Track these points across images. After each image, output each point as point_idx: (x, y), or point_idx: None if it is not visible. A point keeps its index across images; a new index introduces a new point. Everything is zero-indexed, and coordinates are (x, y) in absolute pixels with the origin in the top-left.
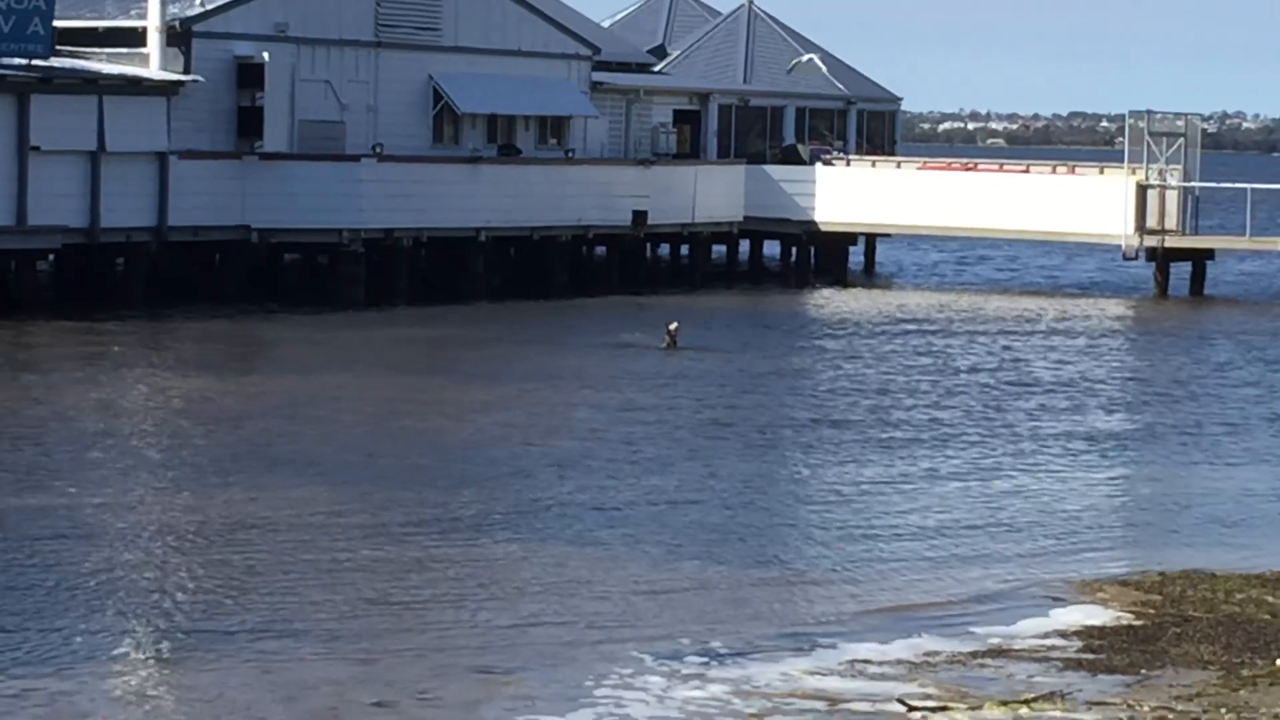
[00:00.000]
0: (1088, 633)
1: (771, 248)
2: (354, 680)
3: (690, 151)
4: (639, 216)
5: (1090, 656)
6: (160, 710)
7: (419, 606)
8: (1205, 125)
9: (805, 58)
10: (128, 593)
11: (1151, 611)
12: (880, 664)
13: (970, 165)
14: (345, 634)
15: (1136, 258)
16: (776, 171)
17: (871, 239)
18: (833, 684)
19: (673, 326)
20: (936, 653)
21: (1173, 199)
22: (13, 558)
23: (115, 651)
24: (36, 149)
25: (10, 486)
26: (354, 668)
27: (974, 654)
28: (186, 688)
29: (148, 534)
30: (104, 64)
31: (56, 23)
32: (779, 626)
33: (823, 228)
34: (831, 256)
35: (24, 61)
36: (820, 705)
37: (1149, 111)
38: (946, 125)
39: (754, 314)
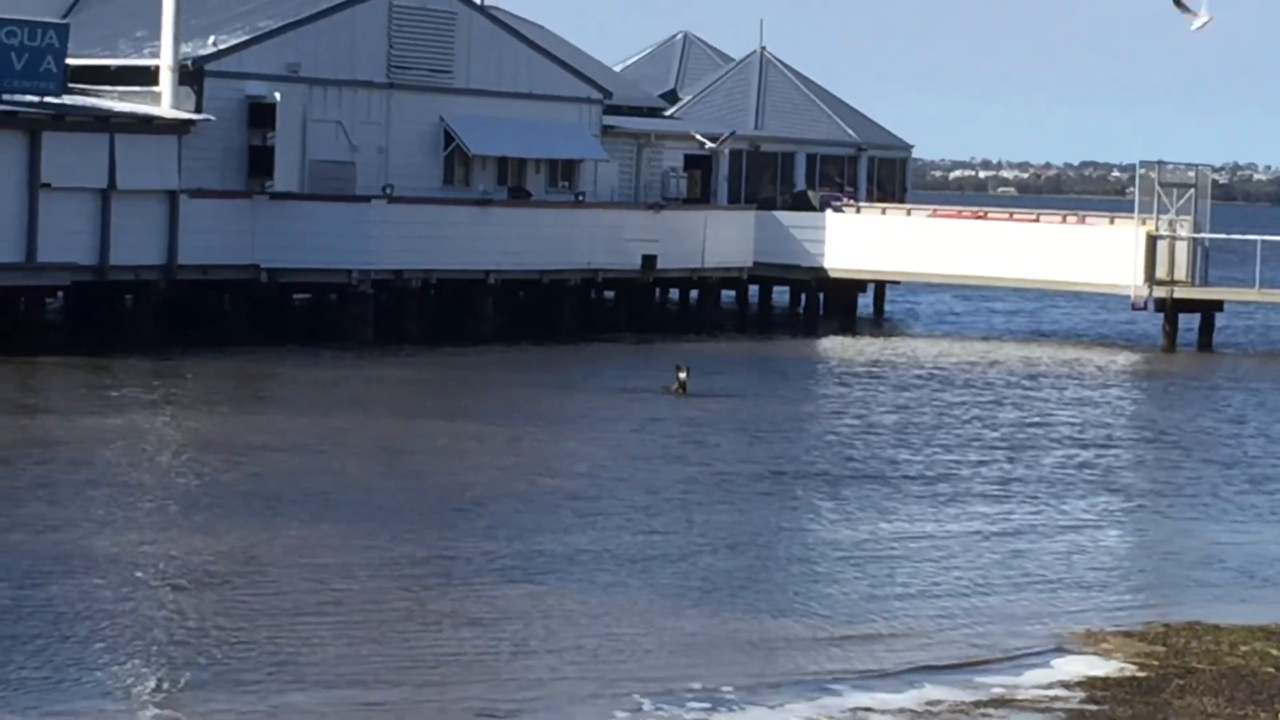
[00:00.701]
0: (1091, 684)
1: (781, 294)
2: None
3: (701, 196)
4: (648, 261)
5: (1094, 708)
6: None
7: (423, 649)
8: (1216, 176)
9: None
10: (130, 634)
11: (1155, 663)
12: (883, 713)
13: (980, 214)
14: (349, 677)
15: (1145, 308)
16: (786, 217)
17: (881, 286)
18: None
19: (683, 374)
20: (939, 702)
21: (1183, 250)
22: (16, 596)
23: (116, 694)
24: (47, 186)
25: (15, 524)
26: (357, 711)
27: (977, 704)
28: None
29: (152, 574)
30: (116, 102)
31: (69, 60)
32: (783, 675)
33: (832, 274)
34: (840, 303)
35: (36, 99)
36: None
37: (1160, 162)
38: (958, 173)
39: (763, 360)
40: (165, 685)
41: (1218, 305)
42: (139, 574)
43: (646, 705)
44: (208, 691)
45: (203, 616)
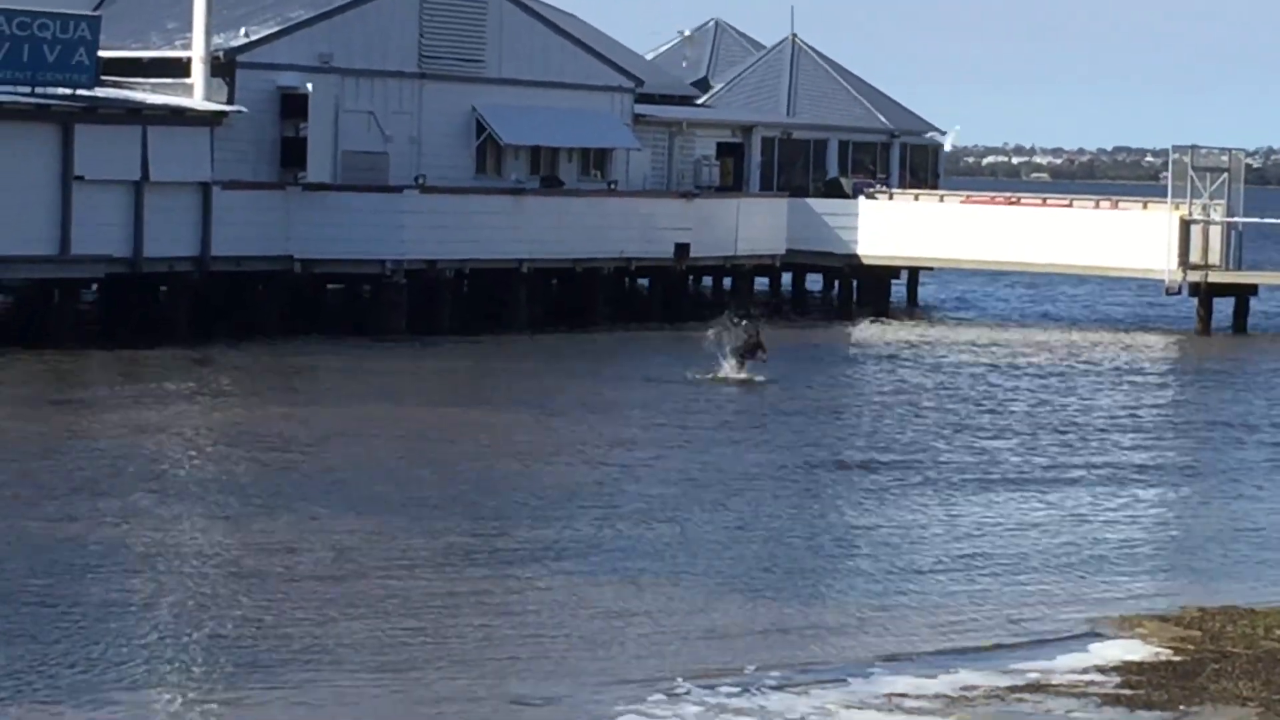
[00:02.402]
0: (1126, 668)
1: (814, 281)
2: (388, 710)
3: (733, 184)
4: (681, 249)
5: (1129, 692)
6: None
7: (455, 636)
8: (1250, 160)
9: None
10: (163, 621)
11: (1191, 647)
12: (918, 698)
13: (1013, 199)
14: (380, 664)
15: (1179, 292)
16: (819, 204)
17: (914, 272)
18: (869, 718)
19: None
20: (974, 687)
21: (1216, 234)
22: (53, 587)
23: (149, 681)
24: (80, 178)
25: (52, 514)
26: (388, 697)
27: (1012, 689)
28: (219, 718)
29: (187, 564)
30: (148, 94)
31: (101, 53)
32: (817, 660)
33: (865, 261)
34: (874, 289)
35: (69, 91)
36: None
37: (1193, 146)
38: (990, 159)
39: (797, 347)
40: (200, 674)
41: (1252, 289)
42: (174, 565)
43: (679, 691)
44: (241, 679)
45: (237, 606)
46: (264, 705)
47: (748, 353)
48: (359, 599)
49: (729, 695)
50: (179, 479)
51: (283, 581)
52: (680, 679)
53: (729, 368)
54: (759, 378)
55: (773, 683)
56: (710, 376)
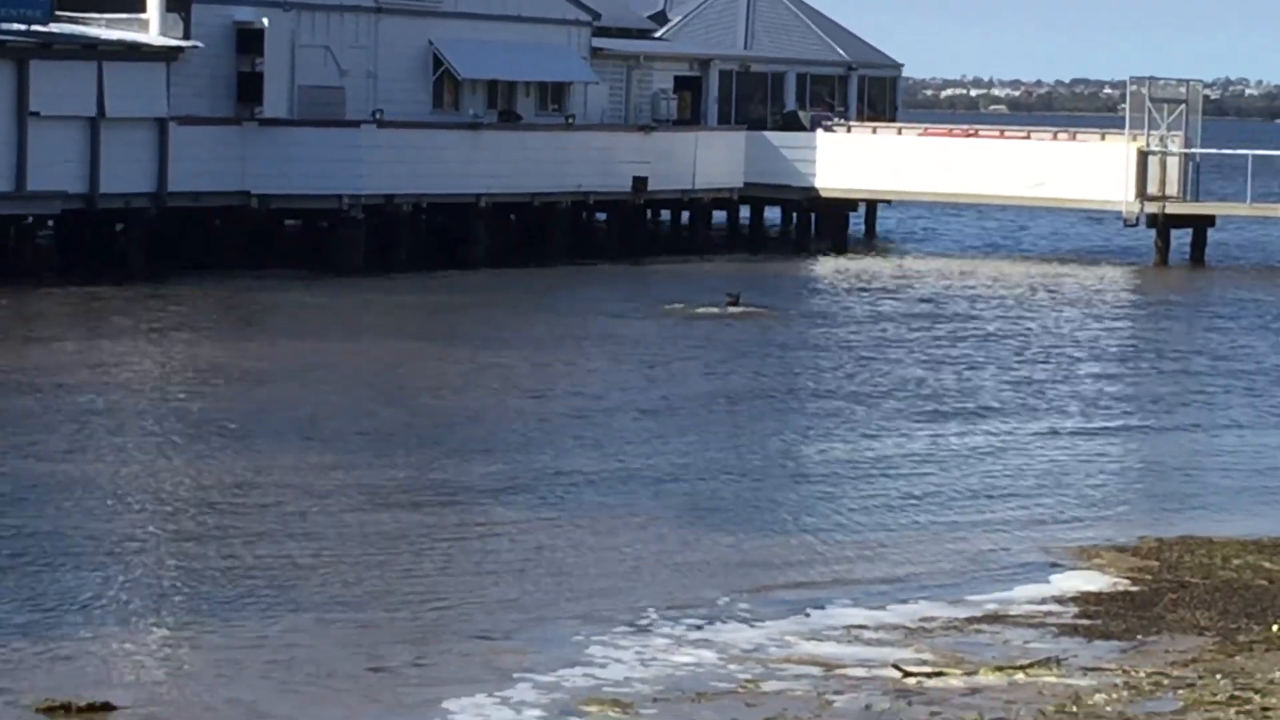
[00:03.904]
0: (1084, 599)
1: (772, 214)
2: (349, 645)
3: (691, 118)
4: (639, 183)
5: (1086, 622)
6: (155, 678)
7: (416, 573)
8: (1208, 92)
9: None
10: (123, 560)
11: (1148, 577)
12: (876, 629)
13: (971, 131)
14: (341, 600)
15: (1137, 224)
16: (777, 138)
17: (872, 205)
18: (828, 649)
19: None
20: (933, 618)
21: (1174, 165)
22: (7, 524)
23: (110, 618)
24: (36, 114)
25: (10, 453)
26: (350, 632)
27: (970, 620)
28: (183, 652)
29: (145, 501)
30: (103, 29)
31: None
32: (775, 593)
33: (823, 194)
34: (832, 223)
35: (23, 27)
36: (816, 671)
37: (1151, 78)
38: (949, 92)
39: (755, 280)
40: (159, 612)
41: (1210, 220)
42: (132, 501)
43: (640, 622)
44: (202, 617)
45: (195, 542)
46: (223, 644)
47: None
48: (318, 535)
49: (689, 627)
50: (135, 415)
51: (241, 518)
52: (643, 611)
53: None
54: (719, 309)
55: (732, 614)
56: (676, 307)
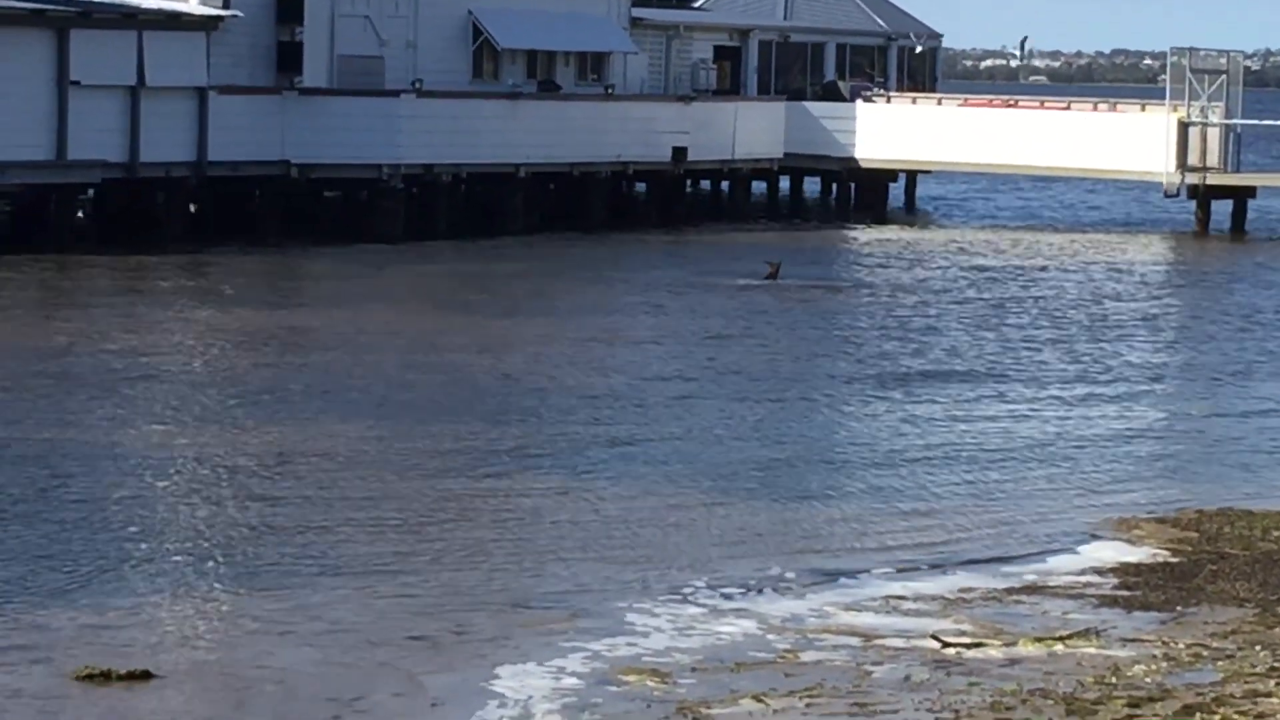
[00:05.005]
0: (1123, 570)
1: (812, 185)
2: (389, 614)
3: (730, 88)
4: (679, 153)
5: (1126, 593)
6: (194, 646)
7: (456, 541)
8: (1248, 63)
9: None
10: (163, 527)
11: (1188, 549)
12: (915, 600)
13: (1011, 102)
14: (383, 569)
15: (1178, 195)
16: (816, 108)
17: (912, 176)
18: (866, 620)
19: (775, 264)
20: (971, 589)
21: (1214, 136)
22: (53, 490)
23: (149, 587)
24: (76, 84)
25: (53, 421)
26: (391, 602)
27: (1009, 590)
28: (223, 621)
29: (184, 468)
30: None
31: None
32: (814, 563)
33: (863, 164)
34: (872, 193)
35: None
36: (854, 641)
37: (1191, 49)
38: (989, 63)
39: (796, 251)
40: (199, 580)
41: (1250, 191)
42: (172, 469)
43: (679, 591)
44: (241, 585)
45: (236, 510)
46: (262, 612)
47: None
48: (359, 502)
49: (728, 597)
50: (175, 385)
51: (281, 486)
52: (682, 581)
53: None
54: (759, 280)
55: (771, 584)
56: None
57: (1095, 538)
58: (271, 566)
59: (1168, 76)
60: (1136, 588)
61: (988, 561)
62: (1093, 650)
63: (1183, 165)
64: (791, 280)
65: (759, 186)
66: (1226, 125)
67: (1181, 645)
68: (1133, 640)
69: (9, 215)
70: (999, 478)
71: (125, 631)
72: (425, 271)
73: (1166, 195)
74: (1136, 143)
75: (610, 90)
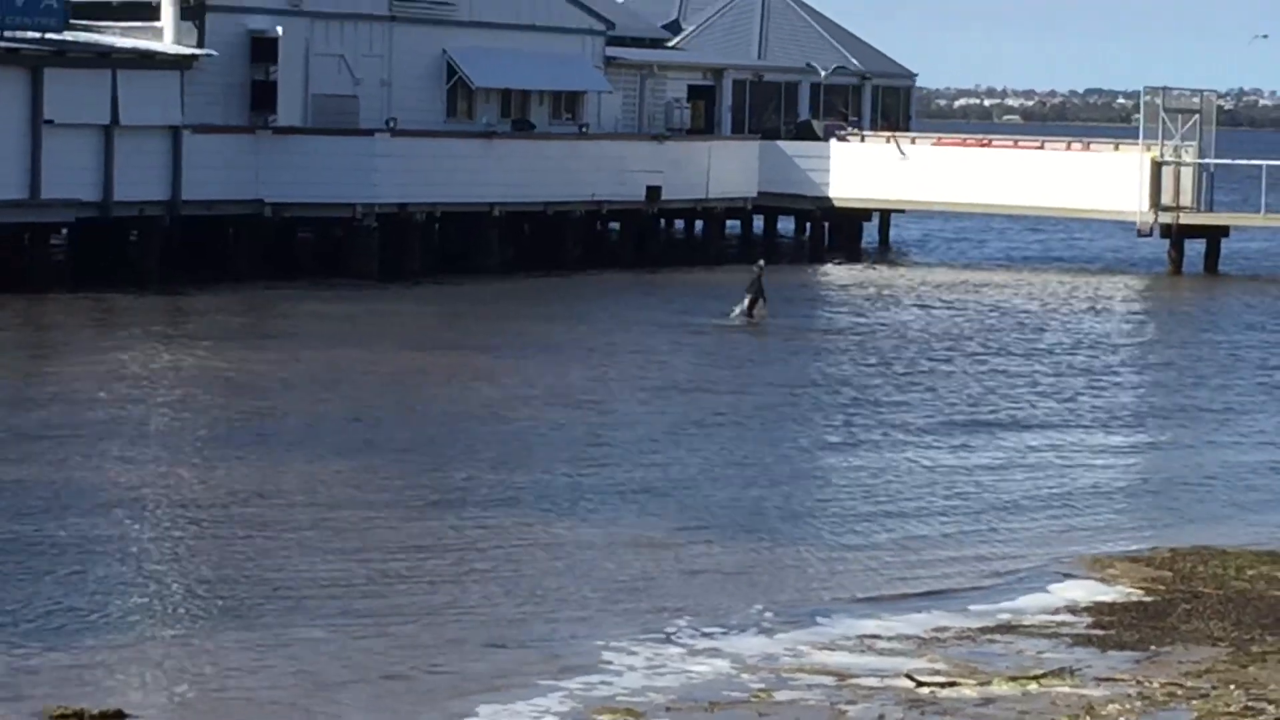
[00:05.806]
0: (1097, 609)
1: (786, 224)
2: (366, 652)
3: (705, 127)
4: (653, 192)
5: (1100, 633)
6: (171, 684)
7: (432, 581)
8: (1221, 102)
9: None
10: (138, 567)
11: (1162, 588)
12: (889, 639)
13: (985, 141)
14: (358, 608)
15: (1151, 234)
16: (791, 147)
17: (886, 215)
18: (841, 659)
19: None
20: (946, 628)
21: (1188, 176)
22: (25, 532)
23: (122, 627)
24: (50, 122)
25: (23, 460)
26: (366, 641)
27: (983, 630)
28: (198, 661)
29: (161, 509)
30: (117, 38)
31: None
32: (788, 603)
33: (837, 204)
34: (846, 232)
35: (38, 35)
36: (828, 680)
37: (1165, 88)
38: (962, 101)
39: (768, 290)
40: (172, 620)
41: (1223, 230)
42: (146, 510)
43: (654, 630)
44: (216, 625)
45: (210, 551)
46: (239, 650)
47: (752, 302)
48: (333, 544)
49: (702, 636)
50: (150, 424)
51: (256, 526)
52: (657, 620)
53: (738, 310)
54: (737, 319)
55: (745, 624)
56: (690, 317)
57: (1069, 576)
58: (245, 607)
59: (1141, 116)
60: (1110, 627)
61: (962, 600)
62: (1067, 689)
63: (1156, 204)
64: (770, 320)
65: (733, 225)
66: (1200, 165)
67: (1156, 684)
68: (1107, 679)
69: None
70: (972, 517)
71: (98, 671)
72: (400, 311)
73: (1140, 234)
74: (1110, 182)
75: (584, 129)
